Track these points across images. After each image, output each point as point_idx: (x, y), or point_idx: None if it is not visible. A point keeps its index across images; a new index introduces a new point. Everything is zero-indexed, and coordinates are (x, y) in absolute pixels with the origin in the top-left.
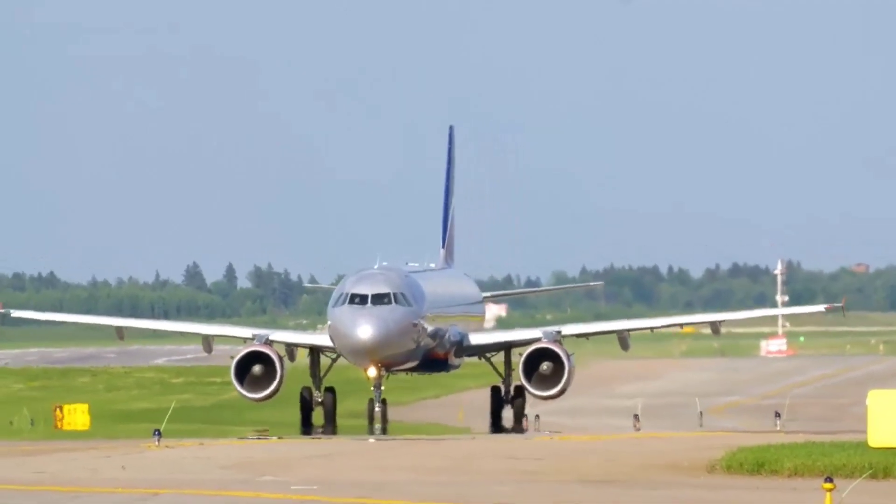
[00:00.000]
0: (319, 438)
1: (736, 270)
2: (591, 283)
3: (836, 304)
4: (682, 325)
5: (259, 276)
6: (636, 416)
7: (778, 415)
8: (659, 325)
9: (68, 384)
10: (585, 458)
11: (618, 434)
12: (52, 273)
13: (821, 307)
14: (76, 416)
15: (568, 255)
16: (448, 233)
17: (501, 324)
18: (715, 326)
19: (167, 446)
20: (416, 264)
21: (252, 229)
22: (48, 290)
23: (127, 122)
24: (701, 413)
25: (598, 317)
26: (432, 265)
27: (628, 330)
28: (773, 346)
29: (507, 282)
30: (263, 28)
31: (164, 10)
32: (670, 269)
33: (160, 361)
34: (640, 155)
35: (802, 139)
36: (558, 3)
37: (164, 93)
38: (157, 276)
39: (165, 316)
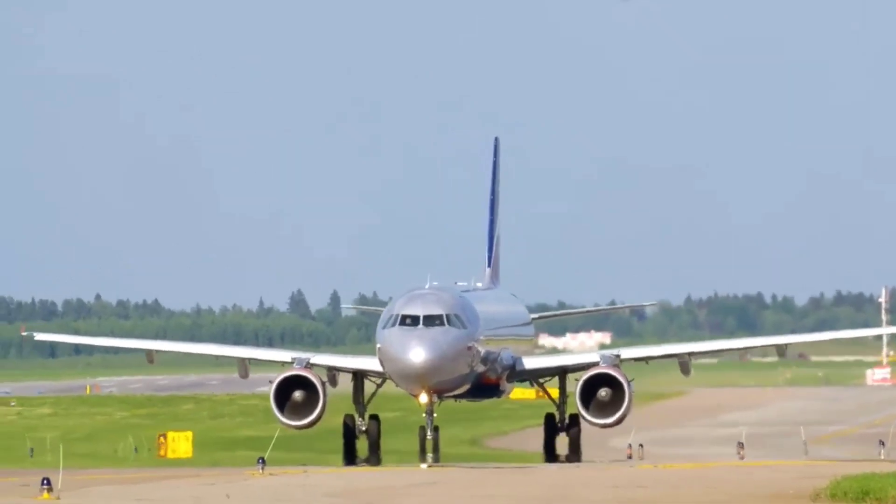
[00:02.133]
0: (429, 466)
1: (840, 299)
2: (645, 304)
3: None
4: (746, 349)
5: (364, 303)
6: (740, 445)
7: (882, 443)
8: (723, 348)
9: (172, 412)
10: (689, 487)
11: (721, 462)
12: (156, 300)
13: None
14: (180, 443)
15: (673, 284)
16: (494, 250)
17: None
18: (781, 349)
19: (271, 474)
20: (465, 283)
21: (357, 257)
22: (152, 318)
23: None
24: (805, 442)
25: None
26: (479, 284)
27: (690, 354)
28: (878, 375)
29: (612, 308)
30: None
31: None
32: (774, 297)
33: (264, 389)
34: (749, 183)
35: None
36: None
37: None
38: (262, 303)
39: (270, 344)
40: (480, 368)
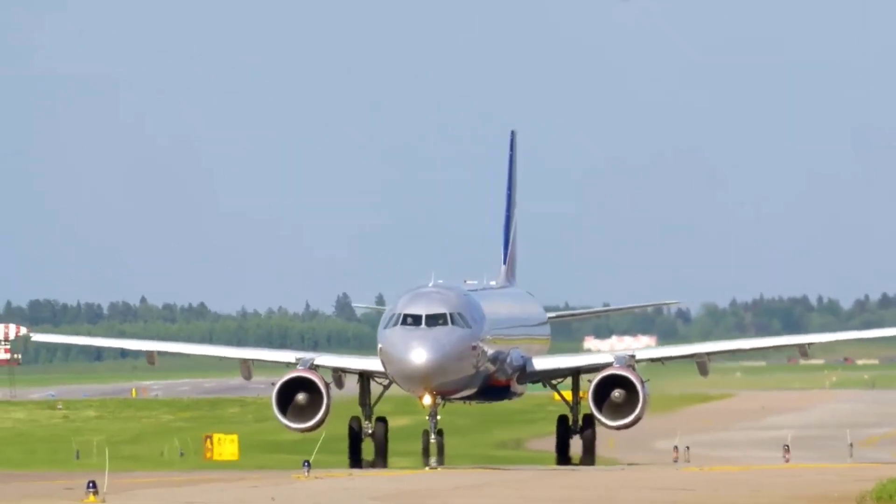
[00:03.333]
0: (491, 468)
1: (886, 301)
2: (668, 302)
3: None
4: (768, 349)
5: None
6: (786, 448)
7: None
8: (739, 348)
9: (218, 414)
10: (734, 490)
11: (767, 465)
12: (202, 304)
13: None
14: (225, 446)
15: (718, 287)
16: (510, 248)
17: None
18: (803, 349)
19: (316, 477)
20: (475, 282)
21: (402, 258)
22: (198, 322)
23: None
24: (851, 444)
25: None
26: (492, 283)
27: (708, 354)
28: None
29: (657, 312)
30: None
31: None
32: (820, 299)
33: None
34: (794, 187)
35: None
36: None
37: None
38: (307, 306)
39: (315, 347)
40: (488, 369)
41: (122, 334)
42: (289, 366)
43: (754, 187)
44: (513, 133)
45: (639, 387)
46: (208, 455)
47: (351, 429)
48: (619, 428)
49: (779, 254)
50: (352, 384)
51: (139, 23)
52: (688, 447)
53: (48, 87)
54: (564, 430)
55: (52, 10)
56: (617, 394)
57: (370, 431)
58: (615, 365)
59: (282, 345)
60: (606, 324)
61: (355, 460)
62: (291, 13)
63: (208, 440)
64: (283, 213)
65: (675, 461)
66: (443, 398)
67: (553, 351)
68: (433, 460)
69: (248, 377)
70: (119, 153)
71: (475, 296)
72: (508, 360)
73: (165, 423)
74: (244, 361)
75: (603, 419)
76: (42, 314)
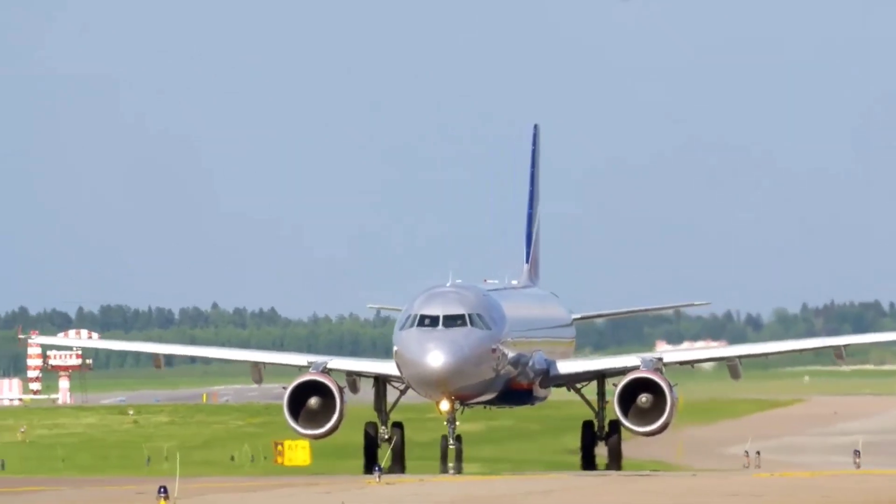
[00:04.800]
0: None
1: None
2: (697, 303)
3: None
4: (800, 351)
5: None
6: (856, 453)
7: None
8: (771, 351)
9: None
10: (805, 495)
11: (838, 471)
12: (272, 309)
13: None
14: (297, 451)
15: (789, 291)
16: (532, 246)
17: None
18: (838, 352)
19: (387, 483)
20: (496, 281)
21: (475, 261)
22: (269, 327)
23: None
24: None
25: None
26: (514, 282)
27: (739, 357)
28: None
29: (728, 318)
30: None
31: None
32: (892, 304)
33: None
34: (867, 192)
35: None
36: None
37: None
38: (378, 312)
39: (387, 354)
40: (509, 373)
41: (192, 340)
42: (301, 369)
43: (824, 191)
44: (536, 127)
45: (667, 391)
46: (279, 460)
47: (367, 435)
48: (646, 434)
49: (850, 259)
50: (367, 389)
51: (139, 23)
52: (758, 452)
53: (54, 86)
54: (590, 437)
55: (51, 9)
56: (644, 398)
57: (387, 437)
58: (642, 368)
59: (353, 352)
60: (678, 330)
61: (371, 467)
62: (291, 13)
63: (279, 445)
64: (357, 220)
65: (746, 467)
66: (461, 403)
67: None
68: (451, 467)
69: (258, 381)
70: (163, 161)
71: (495, 296)
72: (530, 363)
73: (236, 429)
74: (254, 364)
75: (629, 425)
76: (113, 319)
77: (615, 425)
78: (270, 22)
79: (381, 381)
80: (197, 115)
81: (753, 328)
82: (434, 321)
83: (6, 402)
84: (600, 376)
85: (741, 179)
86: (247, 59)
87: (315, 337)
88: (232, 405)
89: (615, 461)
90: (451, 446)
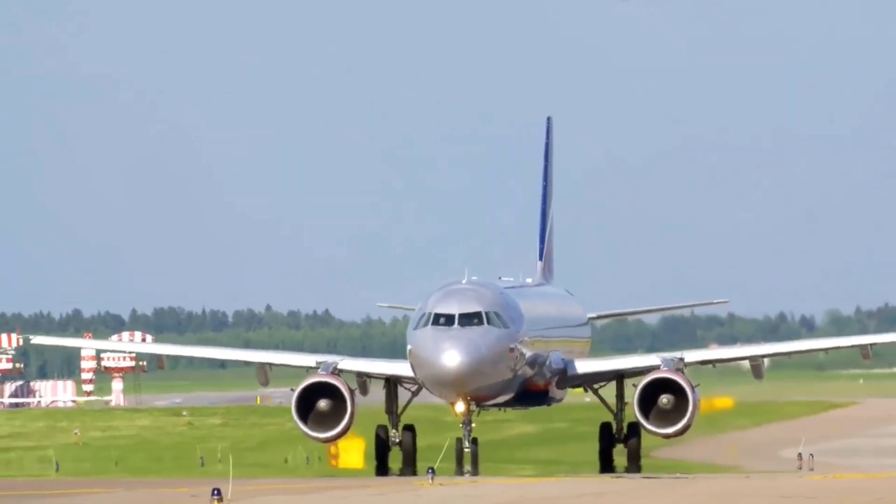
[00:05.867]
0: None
1: None
2: (716, 301)
3: None
4: (827, 350)
5: None
6: None
7: None
8: (795, 350)
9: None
10: (858, 498)
11: (892, 473)
12: (326, 311)
13: None
14: (351, 453)
15: (843, 293)
16: (546, 242)
17: None
18: (865, 351)
19: (441, 484)
20: (511, 279)
21: (488, 259)
22: (323, 329)
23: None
24: None
25: None
26: (528, 280)
27: (762, 356)
28: None
29: (781, 319)
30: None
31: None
32: None
33: (434, 400)
34: None
35: None
36: None
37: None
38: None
39: None
40: (526, 373)
41: (247, 342)
42: (309, 370)
43: (881, 192)
44: (549, 120)
45: (689, 392)
46: (333, 463)
47: (378, 437)
48: (666, 437)
49: None
50: (377, 391)
51: (139, 22)
52: (811, 455)
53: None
54: (608, 439)
55: (50, 8)
56: (665, 399)
57: (398, 440)
58: (662, 368)
59: (405, 354)
60: (731, 332)
61: (382, 470)
62: (291, 13)
63: (333, 447)
64: (413, 224)
65: (799, 469)
66: (477, 405)
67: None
68: (467, 470)
69: (265, 383)
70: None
71: (512, 293)
72: (548, 363)
73: (290, 431)
74: (261, 366)
75: (649, 427)
76: (167, 322)
77: (634, 427)
78: (271, 22)
79: (392, 383)
80: (207, 118)
81: (807, 329)
82: (450, 319)
83: (60, 404)
84: (619, 376)
85: (791, 179)
86: (247, 59)
87: (369, 338)
88: (286, 407)
89: (634, 464)
90: (466, 449)
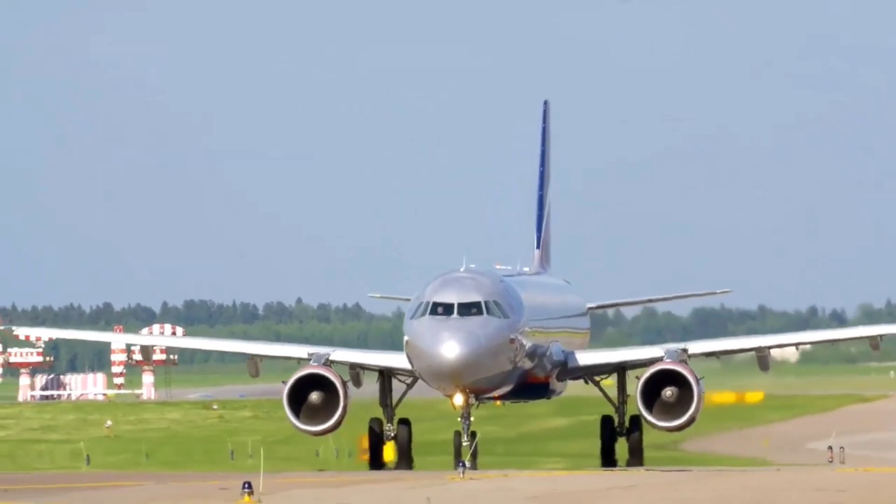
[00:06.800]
0: (619, 470)
1: None
2: (718, 291)
3: None
4: (833, 342)
5: None
6: None
7: None
8: (801, 342)
9: (373, 415)
10: (889, 491)
11: None
12: (357, 304)
13: None
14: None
15: (875, 287)
16: (543, 230)
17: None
18: (874, 342)
19: (472, 478)
20: (508, 268)
21: (483, 247)
22: (353, 322)
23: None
24: None
25: None
26: (525, 269)
27: (768, 347)
28: None
29: (812, 312)
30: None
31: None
32: None
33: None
34: None
35: None
36: None
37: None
38: None
39: None
40: (525, 365)
41: (277, 335)
42: (300, 362)
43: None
44: (546, 103)
45: (693, 384)
46: (364, 456)
47: (371, 431)
48: (670, 430)
49: None
50: (370, 383)
51: (140, 22)
52: (842, 448)
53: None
54: (609, 433)
55: (49, 7)
56: (668, 392)
57: (392, 434)
58: (666, 359)
59: None
60: (762, 326)
61: (376, 465)
62: (291, 13)
63: (364, 440)
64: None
65: (830, 462)
66: (476, 397)
67: None
68: (465, 464)
69: (255, 374)
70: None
71: (511, 282)
72: (548, 354)
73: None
74: (251, 357)
75: (652, 420)
76: (197, 314)
77: (636, 421)
78: (276, 16)
79: (386, 375)
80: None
81: (839, 323)
82: (448, 309)
83: (90, 397)
84: (621, 368)
85: (826, 169)
86: (249, 57)
87: (399, 332)
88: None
89: (637, 459)
90: (464, 443)
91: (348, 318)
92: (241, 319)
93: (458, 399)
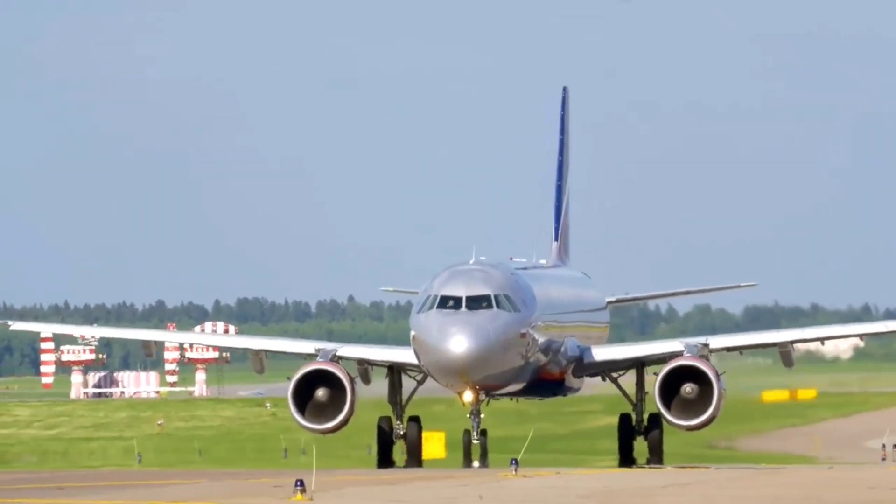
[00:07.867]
0: (661, 468)
1: None
2: (743, 285)
3: None
4: (861, 336)
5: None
6: None
7: None
8: (825, 336)
9: (425, 412)
10: None
11: None
12: (409, 302)
13: None
14: (433, 444)
15: None
16: (562, 222)
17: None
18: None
19: (524, 475)
20: (524, 260)
21: (498, 239)
22: (405, 321)
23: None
24: None
25: None
26: (542, 261)
27: (791, 342)
28: None
29: (865, 311)
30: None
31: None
32: None
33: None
34: None
35: None
36: None
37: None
38: None
39: None
40: (539, 360)
41: (330, 333)
42: (307, 357)
43: None
44: (565, 90)
45: (714, 380)
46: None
47: (380, 429)
48: (690, 429)
49: None
50: (379, 380)
51: (144, 23)
52: (895, 445)
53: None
54: (627, 431)
55: (52, 8)
56: (688, 388)
57: (402, 433)
58: (686, 354)
59: None
60: (814, 324)
61: (385, 464)
62: (291, 13)
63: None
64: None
65: (883, 459)
66: (486, 394)
67: None
68: (475, 464)
69: (260, 370)
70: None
71: (524, 275)
72: (563, 349)
73: (373, 421)
74: (255, 353)
75: (671, 418)
76: (250, 312)
77: (655, 418)
78: (273, 19)
79: (395, 371)
80: (299, 117)
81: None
82: (457, 303)
83: (143, 395)
84: (639, 364)
85: (883, 167)
86: (256, 55)
87: None
88: (369, 398)
89: (656, 457)
90: (475, 441)
91: (400, 316)
92: (293, 317)
93: (468, 396)
